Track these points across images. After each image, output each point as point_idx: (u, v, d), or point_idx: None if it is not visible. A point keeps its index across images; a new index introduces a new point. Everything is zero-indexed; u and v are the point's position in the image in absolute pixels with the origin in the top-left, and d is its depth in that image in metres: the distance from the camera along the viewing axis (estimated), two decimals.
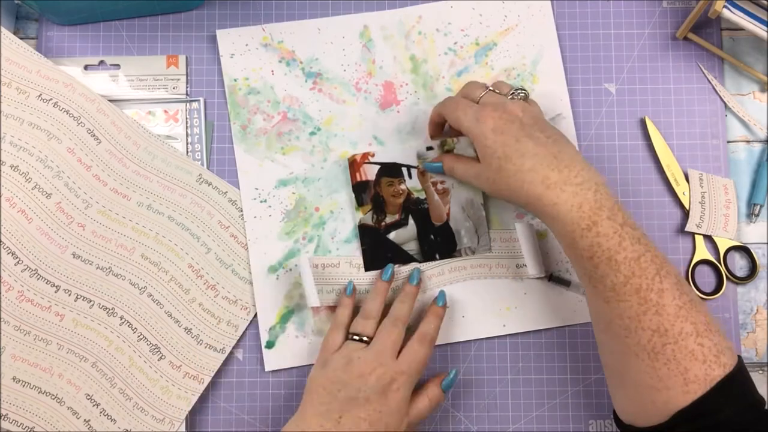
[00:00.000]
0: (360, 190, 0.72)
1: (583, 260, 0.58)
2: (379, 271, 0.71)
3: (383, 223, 0.72)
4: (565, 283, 0.71)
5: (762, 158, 0.74)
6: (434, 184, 0.72)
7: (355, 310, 0.69)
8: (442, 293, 0.69)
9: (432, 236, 0.72)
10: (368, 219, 0.72)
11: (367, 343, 0.65)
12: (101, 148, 0.71)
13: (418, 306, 0.70)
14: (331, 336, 0.66)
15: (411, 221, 0.72)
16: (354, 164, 0.72)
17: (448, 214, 0.72)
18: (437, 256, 0.72)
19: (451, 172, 0.68)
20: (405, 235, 0.72)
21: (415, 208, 0.72)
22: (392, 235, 0.72)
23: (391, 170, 0.72)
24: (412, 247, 0.72)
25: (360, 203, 0.72)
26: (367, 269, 0.72)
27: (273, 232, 0.72)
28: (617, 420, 0.61)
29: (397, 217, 0.72)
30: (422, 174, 0.72)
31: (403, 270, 0.71)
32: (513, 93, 0.64)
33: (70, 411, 0.68)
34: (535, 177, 0.58)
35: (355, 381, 0.62)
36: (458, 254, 0.72)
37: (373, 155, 0.72)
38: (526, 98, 0.65)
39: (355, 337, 0.65)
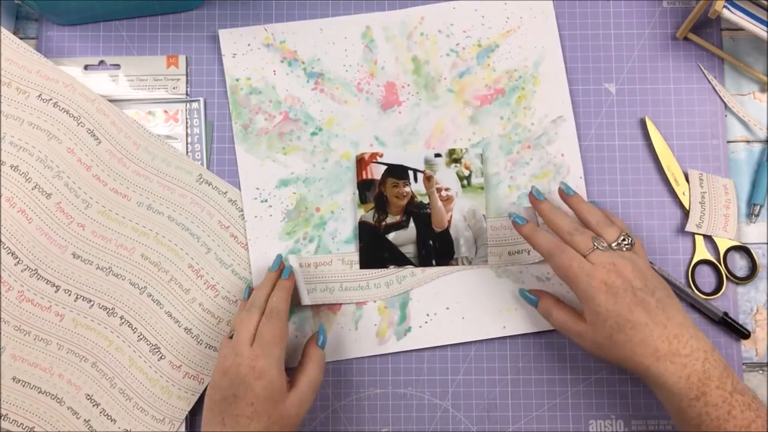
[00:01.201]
0: (364, 188, 0.72)
1: (691, 428, 0.58)
2: (321, 338, 0.68)
3: (384, 223, 0.72)
4: None
5: (762, 158, 0.74)
6: (439, 190, 0.72)
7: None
8: (287, 269, 0.68)
9: (431, 241, 0.72)
10: (369, 217, 0.72)
11: (231, 338, 0.63)
12: (101, 148, 0.71)
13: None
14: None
15: (412, 224, 0.72)
16: (361, 162, 0.73)
17: (449, 221, 0.72)
18: (434, 262, 0.72)
19: (547, 316, 0.66)
20: (404, 237, 0.72)
21: (417, 212, 0.72)
22: (391, 236, 0.72)
23: (397, 172, 0.73)
24: (409, 250, 0.72)
25: (363, 200, 0.72)
26: (362, 267, 0.72)
27: (273, 232, 0.72)
28: None
29: (398, 218, 0.72)
30: (428, 179, 0.72)
31: (399, 272, 0.71)
32: (620, 243, 0.62)
33: (70, 411, 0.68)
34: (646, 350, 0.58)
35: (222, 380, 0.60)
36: (455, 263, 0.72)
37: (381, 155, 0.73)
38: (632, 246, 0.63)
39: (229, 336, 0.63)
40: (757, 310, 0.73)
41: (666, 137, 0.74)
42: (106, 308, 0.69)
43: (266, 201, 0.73)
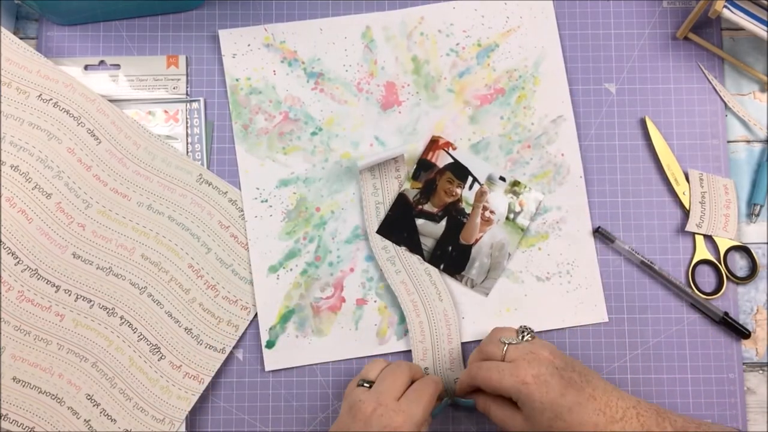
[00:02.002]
0: (423, 166, 0.73)
1: None
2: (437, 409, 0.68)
3: (420, 207, 0.72)
4: (610, 239, 0.72)
5: (762, 158, 0.74)
6: (485, 209, 0.72)
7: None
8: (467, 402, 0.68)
9: (450, 248, 0.72)
10: (410, 194, 0.72)
11: (370, 387, 0.63)
12: (101, 148, 0.71)
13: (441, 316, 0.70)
14: (349, 386, 0.66)
15: (443, 223, 0.72)
16: (435, 143, 0.73)
17: (477, 240, 0.72)
18: (441, 267, 0.72)
19: (486, 413, 0.65)
20: (429, 230, 0.72)
21: (455, 216, 0.72)
22: (420, 222, 0.72)
23: (459, 171, 0.73)
24: (427, 244, 0.72)
25: (414, 177, 0.73)
26: (378, 231, 0.72)
27: (274, 231, 0.72)
28: None
29: (435, 210, 0.72)
30: (481, 194, 0.72)
31: (408, 257, 0.71)
32: (522, 334, 0.63)
33: (70, 411, 0.68)
34: (586, 428, 0.58)
35: (358, 424, 0.60)
36: (459, 278, 0.72)
37: (455, 148, 0.73)
38: (533, 335, 0.64)
39: (364, 384, 0.63)
40: (758, 310, 0.73)
41: (666, 137, 0.74)
42: (106, 308, 0.69)
43: (266, 201, 0.73)
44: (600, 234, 0.72)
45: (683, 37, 0.75)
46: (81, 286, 0.69)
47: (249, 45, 0.74)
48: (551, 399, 0.58)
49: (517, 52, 0.75)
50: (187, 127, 0.73)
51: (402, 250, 0.72)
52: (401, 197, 0.72)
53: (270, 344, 0.71)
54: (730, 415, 0.71)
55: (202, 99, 0.74)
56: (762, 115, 0.75)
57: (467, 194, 0.73)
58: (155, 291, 0.70)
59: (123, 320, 0.69)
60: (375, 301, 0.72)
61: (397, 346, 0.71)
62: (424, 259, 0.72)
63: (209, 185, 0.72)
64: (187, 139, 0.73)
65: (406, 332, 0.71)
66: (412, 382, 0.64)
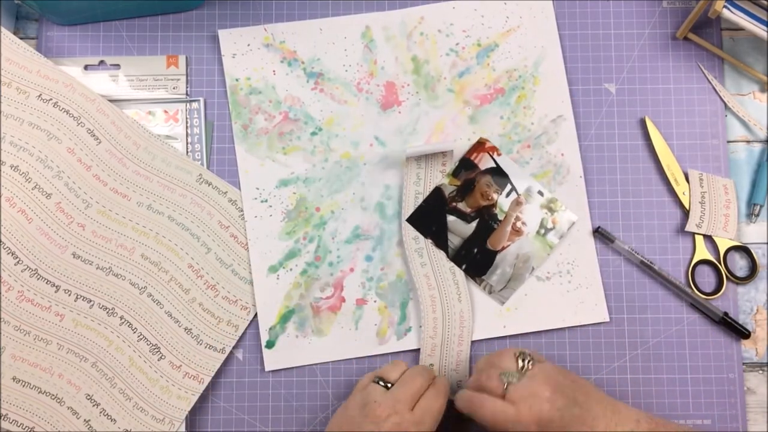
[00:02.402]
0: (464, 165, 0.73)
1: None
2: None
3: (454, 204, 0.72)
4: (610, 239, 0.72)
5: (762, 158, 0.74)
6: (517, 219, 0.72)
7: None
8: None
9: (476, 250, 0.72)
10: (447, 189, 0.73)
11: (387, 388, 0.64)
12: (101, 148, 0.71)
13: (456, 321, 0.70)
14: (365, 377, 0.66)
15: (473, 224, 0.72)
16: (481, 146, 0.73)
17: (503, 248, 0.72)
18: (464, 267, 0.72)
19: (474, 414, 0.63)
20: (459, 229, 0.72)
21: (486, 220, 0.72)
22: (451, 219, 0.72)
23: (499, 176, 0.73)
24: (454, 242, 0.72)
25: (454, 174, 0.73)
26: (408, 220, 0.72)
27: (273, 231, 0.72)
28: None
29: (468, 210, 0.72)
30: (517, 203, 0.72)
31: (435, 253, 0.72)
32: (523, 364, 0.62)
33: (70, 411, 0.68)
34: None
35: (369, 425, 0.61)
36: (478, 282, 0.72)
37: (500, 154, 0.73)
38: (533, 359, 0.63)
39: (380, 382, 0.64)
40: (757, 310, 0.73)
41: (666, 137, 0.74)
42: (106, 308, 0.69)
43: (266, 201, 0.73)
44: (600, 234, 0.72)
45: (683, 37, 0.75)
46: (81, 286, 0.69)
47: (249, 45, 0.74)
48: (554, 427, 0.59)
49: (516, 52, 0.75)
50: (187, 127, 0.73)
51: (429, 244, 0.72)
52: (437, 191, 0.73)
53: (270, 344, 0.71)
54: (730, 415, 0.71)
55: (202, 99, 0.74)
56: (762, 115, 0.75)
57: (503, 201, 0.73)
58: (155, 291, 0.70)
59: (123, 320, 0.69)
60: (375, 301, 0.72)
61: (397, 346, 0.71)
62: (448, 256, 0.72)
63: (209, 185, 0.72)
64: (187, 139, 0.73)
65: (406, 332, 0.71)
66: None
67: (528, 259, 0.72)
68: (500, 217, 0.73)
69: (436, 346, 0.70)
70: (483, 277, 0.72)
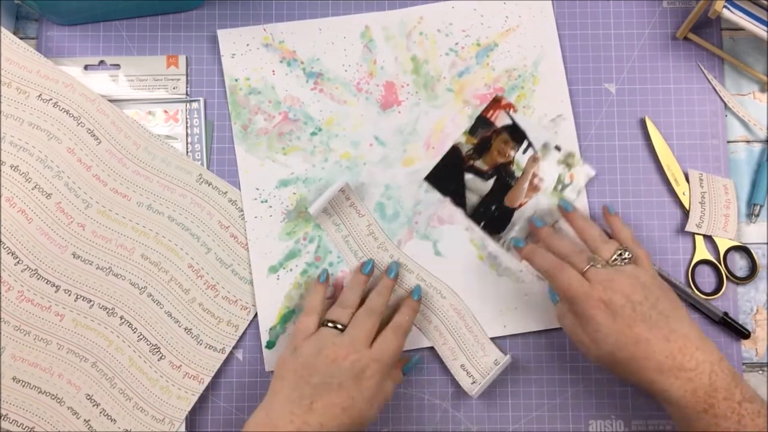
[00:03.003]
0: (481, 124, 0.73)
1: None
2: (359, 263, 0.71)
3: (471, 162, 0.73)
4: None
5: (762, 158, 0.74)
6: (534, 175, 0.73)
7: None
8: (417, 287, 0.70)
9: (494, 207, 0.72)
10: (464, 148, 0.73)
11: (342, 330, 0.65)
12: (101, 148, 0.71)
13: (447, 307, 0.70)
14: (304, 321, 0.66)
15: (491, 182, 0.73)
16: (497, 103, 0.73)
17: (521, 204, 0.72)
18: (482, 224, 0.72)
19: (561, 318, 0.65)
20: (476, 186, 0.73)
21: (503, 177, 0.73)
22: (468, 177, 0.73)
23: (516, 133, 0.73)
24: (472, 199, 0.72)
25: (471, 132, 0.73)
26: (426, 179, 0.73)
27: (273, 232, 0.72)
28: None
29: (485, 168, 0.73)
30: (534, 160, 0.73)
31: (449, 212, 0.72)
32: (617, 258, 0.63)
33: (70, 411, 0.68)
34: (648, 364, 0.58)
35: (329, 367, 0.61)
36: (497, 239, 0.72)
37: (516, 110, 0.73)
38: (631, 260, 0.63)
39: (330, 324, 0.65)
40: (757, 310, 0.73)
41: (666, 137, 0.74)
42: (106, 308, 0.69)
43: (266, 201, 0.73)
44: None
45: (683, 37, 0.75)
46: (81, 286, 0.69)
47: (248, 45, 0.74)
48: (617, 328, 0.59)
49: (516, 52, 0.75)
50: (187, 127, 0.73)
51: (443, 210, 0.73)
52: (454, 149, 0.73)
53: (270, 345, 0.71)
54: None
55: (201, 99, 0.74)
56: (762, 115, 0.75)
57: (520, 158, 0.73)
58: (155, 291, 0.70)
59: (123, 320, 0.69)
60: None
61: None
62: (466, 214, 0.72)
63: (209, 185, 0.72)
64: (187, 139, 0.73)
65: None
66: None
67: (545, 215, 0.72)
68: (517, 173, 0.73)
69: (454, 348, 0.71)
70: (501, 234, 0.72)
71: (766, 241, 0.74)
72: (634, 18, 0.76)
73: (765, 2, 0.67)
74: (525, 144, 0.73)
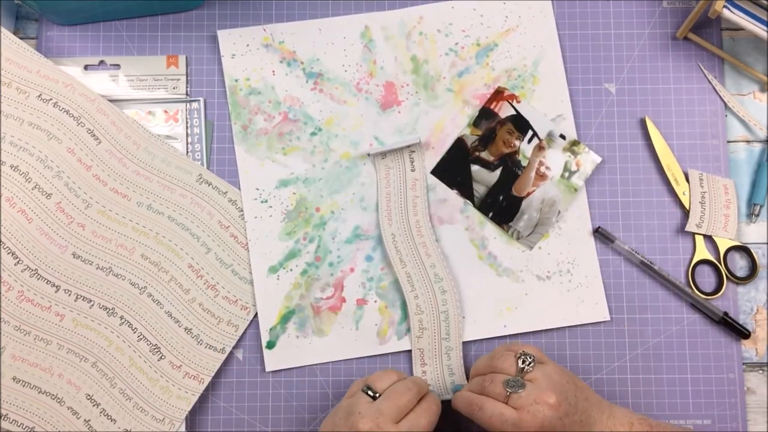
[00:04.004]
0: (484, 115, 0.74)
1: None
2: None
3: (477, 154, 0.73)
4: (610, 239, 0.72)
5: (762, 158, 0.74)
6: (541, 164, 0.73)
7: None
8: (457, 386, 0.69)
9: (501, 197, 0.73)
10: (469, 140, 0.73)
11: (374, 398, 0.62)
12: (101, 148, 0.71)
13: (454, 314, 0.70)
14: (355, 384, 0.65)
15: (497, 172, 0.73)
16: (499, 94, 0.74)
17: (528, 194, 0.72)
18: (490, 215, 0.72)
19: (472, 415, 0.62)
20: (483, 177, 0.73)
21: (510, 167, 0.73)
22: (474, 168, 0.73)
23: (520, 123, 0.74)
24: (479, 191, 0.73)
25: (475, 124, 0.73)
26: (432, 172, 0.73)
27: (274, 232, 0.72)
28: None
29: (491, 159, 0.73)
30: (540, 149, 0.73)
31: (449, 212, 0.72)
32: (524, 365, 0.61)
33: (70, 411, 0.68)
34: None
35: None
36: (506, 229, 0.72)
37: (519, 101, 0.73)
38: (534, 360, 0.61)
39: (368, 391, 0.62)
40: (757, 310, 0.73)
41: (666, 137, 0.74)
42: (106, 308, 0.69)
43: (266, 201, 0.73)
44: (600, 234, 0.72)
45: (683, 37, 0.75)
46: (81, 286, 0.69)
47: (248, 45, 0.74)
48: None
49: (516, 52, 0.75)
50: (187, 127, 0.73)
51: (407, 244, 0.72)
52: (459, 141, 0.73)
53: (270, 345, 0.71)
54: (730, 415, 0.71)
55: (201, 99, 0.74)
56: (762, 115, 0.75)
57: (525, 147, 0.73)
58: (155, 291, 0.70)
59: (123, 320, 0.69)
60: (375, 301, 0.72)
61: (398, 345, 0.71)
62: (474, 205, 0.72)
63: (209, 185, 0.72)
64: (187, 139, 0.73)
65: (407, 332, 0.71)
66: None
67: (553, 203, 0.72)
68: (524, 163, 0.73)
69: (423, 349, 0.70)
70: (510, 224, 0.72)
71: (766, 241, 0.73)
72: (634, 18, 0.76)
73: (765, 2, 0.67)
74: (530, 133, 0.73)
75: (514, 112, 0.74)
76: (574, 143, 0.73)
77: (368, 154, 0.72)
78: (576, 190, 0.73)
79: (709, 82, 0.75)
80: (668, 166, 0.73)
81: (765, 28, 0.68)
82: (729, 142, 0.75)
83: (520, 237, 0.72)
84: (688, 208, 0.72)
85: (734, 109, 0.74)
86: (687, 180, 0.73)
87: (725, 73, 0.76)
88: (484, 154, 0.73)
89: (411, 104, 0.74)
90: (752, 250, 0.73)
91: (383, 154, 0.72)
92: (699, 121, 0.74)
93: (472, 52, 0.75)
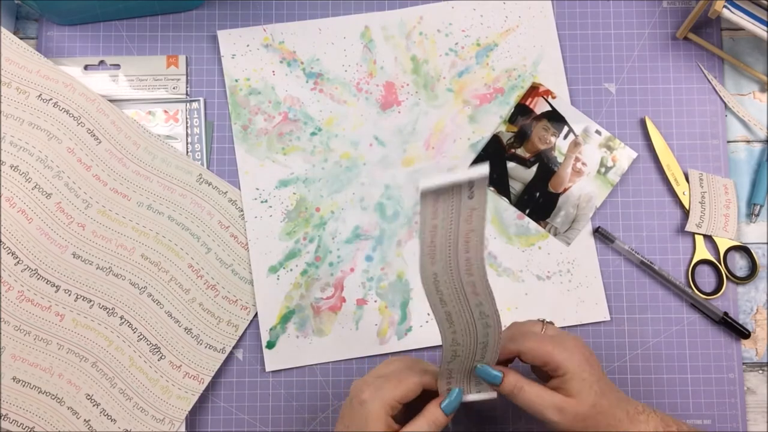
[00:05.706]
0: (520, 112, 0.74)
1: None
2: (447, 401, 0.60)
3: (512, 150, 0.73)
4: (610, 239, 0.72)
5: (762, 158, 0.74)
6: (577, 159, 0.73)
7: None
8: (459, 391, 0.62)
9: (538, 194, 0.73)
10: (504, 137, 0.74)
11: None
12: (101, 148, 0.71)
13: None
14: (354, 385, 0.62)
15: (533, 169, 0.73)
16: (534, 90, 0.74)
17: (565, 190, 0.73)
18: (527, 212, 0.73)
19: (515, 393, 0.58)
20: (519, 174, 0.73)
21: (546, 164, 0.73)
22: (510, 165, 0.73)
23: (556, 119, 0.74)
24: (515, 188, 0.73)
25: (511, 121, 0.74)
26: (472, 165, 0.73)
27: (274, 232, 0.72)
28: None
29: (527, 156, 0.73)
30: (575, 144, 0.73)
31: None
32: (545, 326, 0.61)
33: (70, 411, 0.68)
34: (622, 413, 0.57)
35: (346, 407, 0.58)
36: (544, 225, 0.72)
37: (555, 97, 0.74)
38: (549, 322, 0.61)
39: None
40: (757, 310, 0.73)
41: (666, 137, 0.74)
42: (106, 308, 0.69)
43: (266, 201, 0.73)
44: (600, 234, 0.72)
45: (683, 37, 0.75)
46: (81, 286, 0.69)
47: (248, 45, 0.74)
48: (598, 375, 0.57)
49: (516, 52, 0.75)
50: (187, 127, 0.73)
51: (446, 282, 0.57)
52: (495, 138, 0.74)
53: (270, 345, 0.71)
54: (730, 415, 0.71)
55: (202, 99, 0.74)
56: (762, 115, 0.75)
57: (561, 143, 0.73)
58: (155, 291, 0.70)
59: (123, 320, 0.69)
60: (375, 301, 0.72)
61: (398, 346, 0.71)
62: (511, 202, 0.73)
63: (209, 185, 0.72)
64: (187, 139, 0.73)
65: (407, 332, 0.71)
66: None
67: (590, 198, 0.73)
68: (560, 159, 0.73)
69: (452, 370, 0.61)
70: (547, 220, 0.73)
71: (766, 241, 0.74)
72: (634, 18, 0.76)
73: (765, 2, 0.67)
74: (565, 129, 0.73)
75: (549, 108, 0.74)
76: (610, 139, 0.73)
77: (420, 190, 0.50)
78: (612, 185, 0.73)
79: (709, 82, 0.75)
80: (668, 166, 0.73)
81: (765, 28, 0.68)
82: (729, 142, 0.75)
83: (558, 233, 0.72)
84: (688, 208, 0.72)
85: (734, 109, 0.75)
86: (687, 180, 0.73)
87: (725, 73, 0.76)
88: (520, 151, 0.73)
89: (411, 104, 0.74)
90: (752, 250, 0.73)
91: (436, 193, 0.50)
92: (699, 121, 0.74)
93: (472, 52, 0.75)
